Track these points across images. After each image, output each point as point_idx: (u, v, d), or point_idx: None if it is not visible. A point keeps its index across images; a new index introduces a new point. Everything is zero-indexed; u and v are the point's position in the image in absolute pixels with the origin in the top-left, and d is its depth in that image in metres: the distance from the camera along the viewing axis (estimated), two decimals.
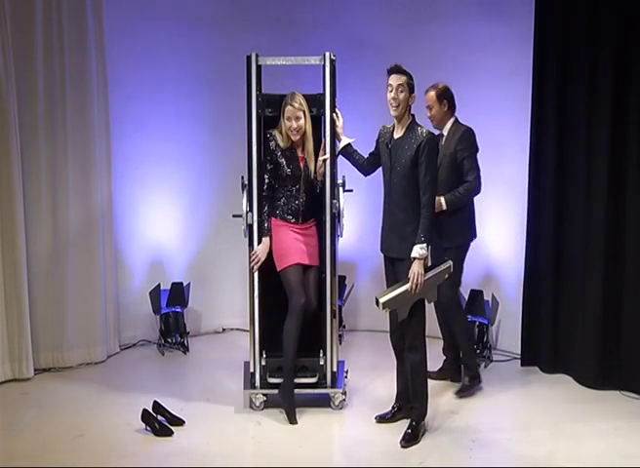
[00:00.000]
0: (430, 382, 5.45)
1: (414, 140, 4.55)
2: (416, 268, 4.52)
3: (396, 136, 4.64)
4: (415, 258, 4.51)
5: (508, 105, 5.97)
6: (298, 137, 4.91)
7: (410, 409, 4.74)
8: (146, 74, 6.27)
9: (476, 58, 6.12)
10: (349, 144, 4.94)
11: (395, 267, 4.69)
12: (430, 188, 4.53)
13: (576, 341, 5.55)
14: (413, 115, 4.66)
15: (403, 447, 4.55)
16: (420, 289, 4.53)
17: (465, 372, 5.37)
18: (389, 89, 4.60)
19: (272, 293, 5.20)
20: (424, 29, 6.30)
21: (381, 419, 4.85)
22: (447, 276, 4.71)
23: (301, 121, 4.89)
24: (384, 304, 4.58)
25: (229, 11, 6.46)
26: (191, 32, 6.38)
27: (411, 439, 4.59)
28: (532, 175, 5.70)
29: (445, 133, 5.31)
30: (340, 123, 4.94)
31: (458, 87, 6.20)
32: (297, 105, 4.87)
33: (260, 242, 4.97)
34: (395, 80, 4.59)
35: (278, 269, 4.94)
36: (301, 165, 4.96)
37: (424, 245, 4.51)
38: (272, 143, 4.94)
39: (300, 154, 4.98)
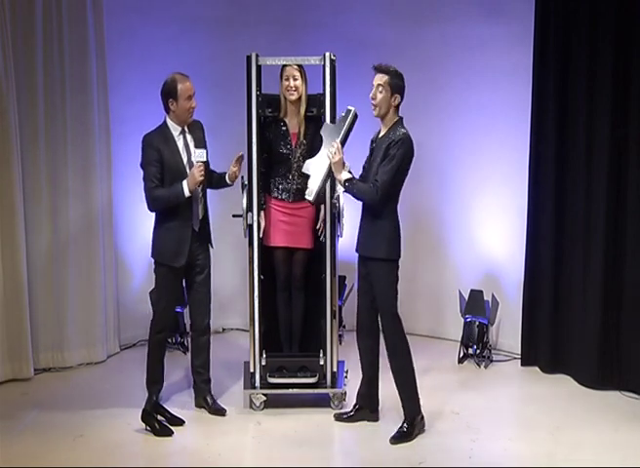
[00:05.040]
0: (432, 381, 5.47)
1: (389, 141, 4.45)
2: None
3: (380, 135, 4.60)
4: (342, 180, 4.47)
5: (508, 105, 5.96)
6: (295, 97, 5.00)
7: (375, 409, 4.79)
8: (146, 74, 6.24)
9: (476, 58, 6.12)
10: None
11: (367, 267, 4.65)
12: (387, 176, 4.37)
13: (576, 341, 5.55)
14: (401, 118, 4.56)
15: (392, 443, 4.55)
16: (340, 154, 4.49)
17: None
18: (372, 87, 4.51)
19: (273, 294, 5.22)
20: (424, 29, 6.29)
21: (339, 418, 4.84)
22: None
23: (298, 81, 4.99)
24: (315, 198, 4.63)
25: (229, 11, 6.46)
26: (191, 33, 6.38)
27: (403, 437, 4.58)
28: (532, 175, 5.70)
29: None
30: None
31: (458, 87, 6.24)
32: (295, 65, 5.00)
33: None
34: (377, 79, 4.47)
35: (264, 243, 5.12)
36: (293, 142, 5.05)
37: (350, 177, 4.46)
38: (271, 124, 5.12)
39: (292, 130, 5.08)
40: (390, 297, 4.59)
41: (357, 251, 4.69)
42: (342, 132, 4.59)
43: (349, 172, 4.54)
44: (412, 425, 4.62)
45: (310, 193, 4.61)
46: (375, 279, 4.60)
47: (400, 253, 4.62)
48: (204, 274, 4.96)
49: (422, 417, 4.70)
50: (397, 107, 4.52)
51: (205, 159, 4.78)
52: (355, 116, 4.60)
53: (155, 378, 5.01)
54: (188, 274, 4.95)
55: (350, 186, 4.48)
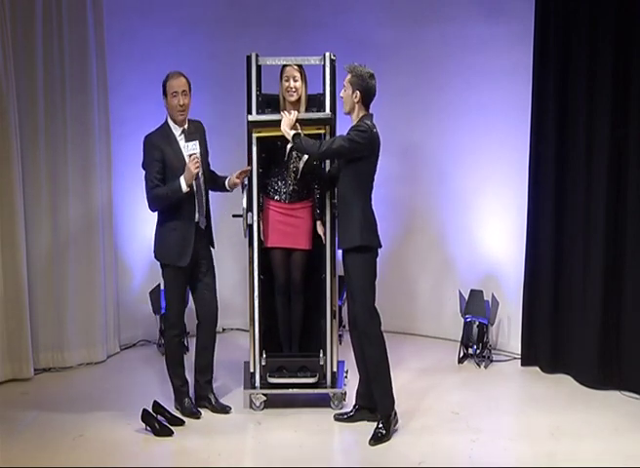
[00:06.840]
0: (432, 381, 5.47)
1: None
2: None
3: None
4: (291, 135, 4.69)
5: (508, 105, 5.97)
6: (294, 98, 5.00)
7: (374, 409, 4.74)
8: (146, 75, 6.24)
9: (476, 58, 6.12)
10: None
11: (344, 258, 4.68)
12: (337, 139, 4.57)
13: (576, 341, 5.55)
14: (370, 114, 4.63)
15: (372, 445, 4.54)
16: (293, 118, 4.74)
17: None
18: None
19: (272, 293, 5.22)
20: (424, 29, 6.30)
21: (339, 418, 4.85)
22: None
23: (298, 82, 4.99)
24: (251, 123, 4.86)
25: (229, 11, 6.46)
26: (191, 34, 6.38)
27: (381, 437, 4.58)
28: (532, 175, 5.70)
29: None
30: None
31: (458, 87, 6.24)
32: (295, 66, 5.00)
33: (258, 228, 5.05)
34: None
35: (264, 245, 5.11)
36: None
37: (298, 133, 4.69)
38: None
39: None
40: (365, 289, 4.59)
41: (338, 247, 4.77)
42: (308, 116, 4.87)
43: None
44: (387, 423, 4.62)
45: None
46: (350, 269, 4.62)
47: (376, 244, 4.64)
48: (209, 275, 4.96)
49: (396, 413, 4.70)
50: (363, 104, 4.63)
51: (197, 151, 4.76)
52: (327, 118, 4.85)
53: (181, 382, 4.99)
54: (193, 274, 4.92)
55: (298, 140, 4.66)
